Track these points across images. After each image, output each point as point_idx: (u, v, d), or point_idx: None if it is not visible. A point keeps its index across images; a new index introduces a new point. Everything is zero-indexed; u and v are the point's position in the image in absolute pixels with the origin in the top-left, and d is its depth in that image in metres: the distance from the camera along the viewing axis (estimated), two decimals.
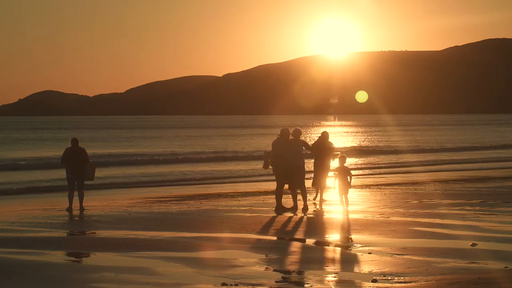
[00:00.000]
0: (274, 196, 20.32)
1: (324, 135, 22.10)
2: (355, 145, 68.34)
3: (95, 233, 16.11)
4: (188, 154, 51.33)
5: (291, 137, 19.82)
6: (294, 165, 19.56)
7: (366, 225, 16.41)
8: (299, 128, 20.61)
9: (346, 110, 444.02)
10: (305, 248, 13.69)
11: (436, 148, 63.04)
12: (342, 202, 19.18)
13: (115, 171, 36.92)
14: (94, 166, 21.39)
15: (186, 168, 39.39)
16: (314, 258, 12.57)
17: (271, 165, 19.91)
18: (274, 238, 15.22)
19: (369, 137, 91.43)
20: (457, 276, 10.73)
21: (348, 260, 12.30)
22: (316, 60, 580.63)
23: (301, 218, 18.28)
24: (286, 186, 19.89)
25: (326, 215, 18.65)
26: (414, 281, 10.49)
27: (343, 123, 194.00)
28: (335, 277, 10.98)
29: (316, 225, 16.82)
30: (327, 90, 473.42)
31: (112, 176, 33.81)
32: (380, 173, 36.79)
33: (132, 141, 77.43)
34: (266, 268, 11.77)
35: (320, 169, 21.69)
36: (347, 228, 16.23)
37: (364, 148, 62.25)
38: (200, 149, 61.75)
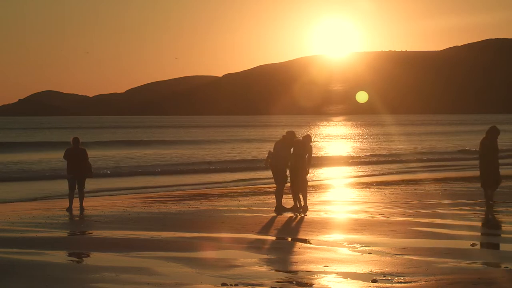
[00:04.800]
0: (274, 196, 20.33)
1: (494, 131, 20.17)
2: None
3: (95, 233, 16.10)
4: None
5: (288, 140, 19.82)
6: (293, 166, 19.62)
7: (366, 225, 16.41)
8: (310, 135, 20.46)
9: (347, 110, 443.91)
10: (305, 248, 13.69)
11: None
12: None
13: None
14: (90, 164, 21.31)
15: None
16: (314, 258, 12.57)
17: (270, 165, 19.98)
18: (274, 238, 15.22)
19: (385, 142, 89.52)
20: (457, 276, 10.72)
21: (348, 260, 12.30)
22: (316, 60, 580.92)
23: (301, 218, 18.28)
24: (288, 184, 19.91)
25: (327, 215, 18.65)
26: (414, 281, 10.49)
27: (349, 123, 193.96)
28: (335, 277, 10.98)
29: (315, 225, 16.82)
30: (327, 90, 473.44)
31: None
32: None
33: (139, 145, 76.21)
34: (266, 268, 11.76)
35: (488, 169, 20.28)
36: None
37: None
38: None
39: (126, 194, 26.59)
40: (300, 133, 23.04)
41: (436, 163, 44.08)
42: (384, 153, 55.66)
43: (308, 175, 20.00)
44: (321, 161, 44.40)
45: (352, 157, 50.83)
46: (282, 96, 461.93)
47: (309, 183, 20.89)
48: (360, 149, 63.11)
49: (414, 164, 42.73)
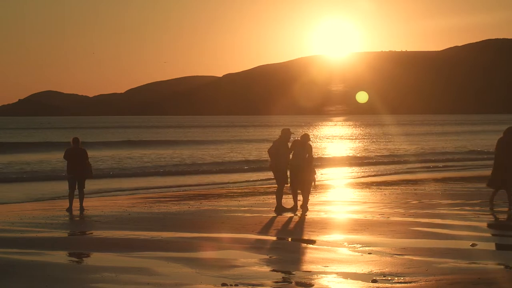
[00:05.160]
0: (274, 196, 20.33)
1: (509, 131, 19.84)
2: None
3: (95, 233, 16.10)
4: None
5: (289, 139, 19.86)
6: (293, 165, 19.61)
7: (366, 225, 16.41)
8: (308, 133, 20.44)
9: (347, 110, 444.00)
10: (305, 248, 13.69)
11: None
12: None
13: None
14: (90, 164, 21.31)
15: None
16: (314, 258, 12.57)
17: (270, 165, 20.02)
18: (274, 238, 15.22)
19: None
20: (457, 276, 10.73)
21: (348, 260, 12.30)
22: (316, 60, 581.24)
23: (301, 218, 18.28)
24: (288, 185, 19.91)
25: (327, 215, 18.64)
26: (414, 281, 10.49)
27: (349, 123, 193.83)
28: (335, 277, 10.98)
29: (315, 225, 16.82)
30: (327, 91, 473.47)
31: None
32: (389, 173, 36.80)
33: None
34: (266, 268, 11.76)
35: (494, 167, 20.03)
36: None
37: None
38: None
39: (126, 194, 26.58)
40: (299, 133, 23.01)
41: (436, 163, 44.07)
42: (384, 153, 55.65)
43: (316, 174, 19.95)
44: (321, 162, 44.38)
45: (352, 158, 50.81)
46: (282, 96, 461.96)
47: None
48: (360, 149, 63.09)
49: (414, 164, 42.74)
